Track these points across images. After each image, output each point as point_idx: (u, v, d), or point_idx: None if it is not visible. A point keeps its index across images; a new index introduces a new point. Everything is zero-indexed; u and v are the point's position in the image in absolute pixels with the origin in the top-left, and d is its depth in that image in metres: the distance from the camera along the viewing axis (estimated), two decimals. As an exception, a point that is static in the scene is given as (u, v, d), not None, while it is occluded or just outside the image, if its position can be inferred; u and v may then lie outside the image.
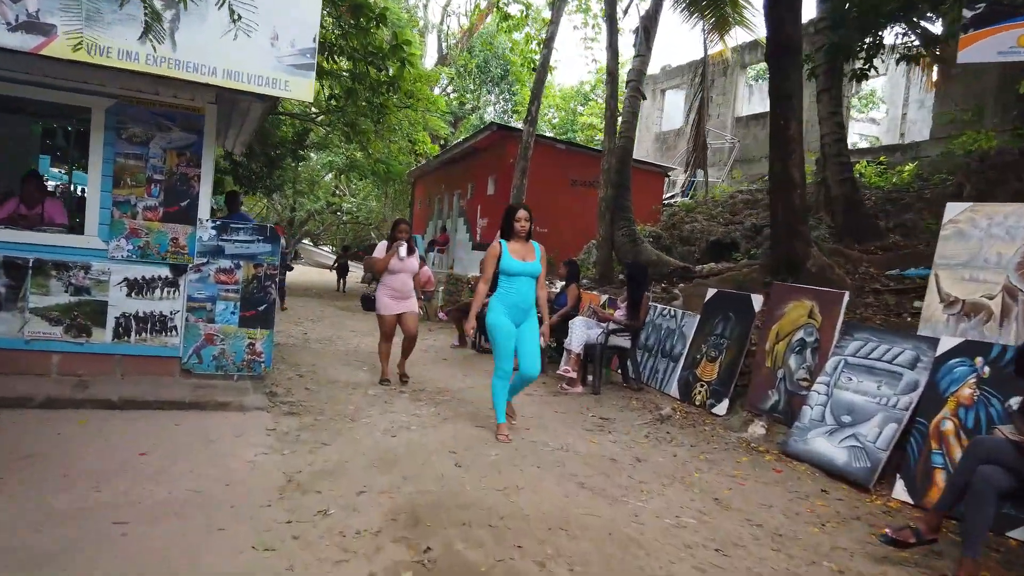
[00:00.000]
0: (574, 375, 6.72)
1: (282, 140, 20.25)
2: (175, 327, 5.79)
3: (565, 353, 6.96)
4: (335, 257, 25.37)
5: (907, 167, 12.99)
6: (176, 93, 5.73)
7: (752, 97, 18.79)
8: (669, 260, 9.71)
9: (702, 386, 6.31)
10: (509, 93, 29.16)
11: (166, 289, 5.78)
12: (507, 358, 4.96)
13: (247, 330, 5.95)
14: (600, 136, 26.99)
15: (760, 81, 21.74)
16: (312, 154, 31.20)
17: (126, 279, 5.68)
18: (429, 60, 29.81)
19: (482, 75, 28.67)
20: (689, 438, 5.45)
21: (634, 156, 18.75)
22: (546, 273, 5.50)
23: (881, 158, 13.80)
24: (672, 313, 7.25)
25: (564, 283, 8.08)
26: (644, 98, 11.52)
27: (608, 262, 10.24)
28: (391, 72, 13.54)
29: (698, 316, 6.79)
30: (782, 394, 5.50)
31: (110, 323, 5.64)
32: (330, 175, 36.27)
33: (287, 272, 12.48)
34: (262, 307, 5.99)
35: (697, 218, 11.73)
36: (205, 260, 5.84)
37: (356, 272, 30.63)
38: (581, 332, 6.82)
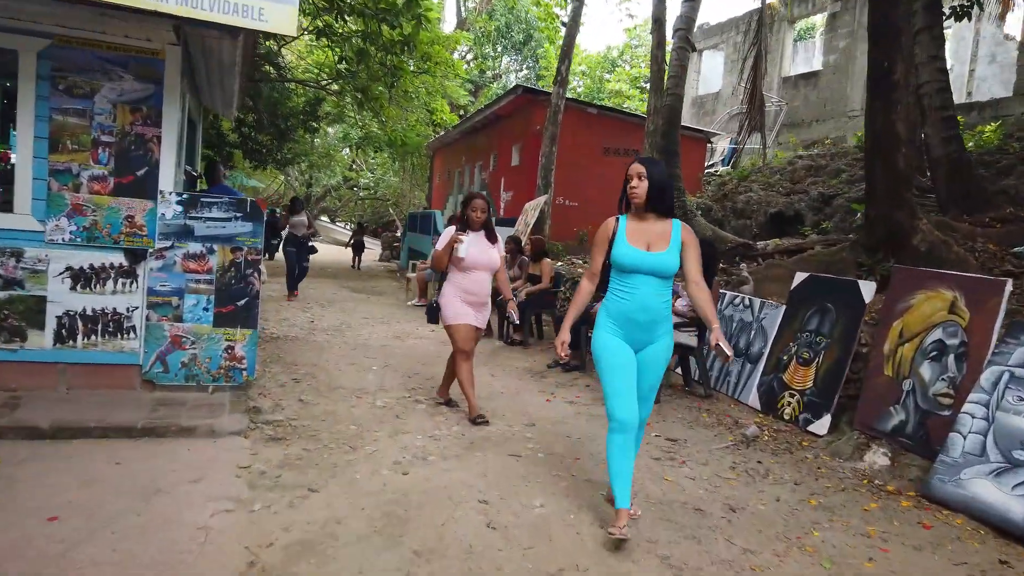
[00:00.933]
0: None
1: (292, 111, 19.05)
2: (133, 328, 4.63)
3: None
4: (350, 234, 24.37)
5: (988, 127, 11.44)
6: (127, 32, 4.51)
7: (799, 56, 17.14)
8: (725, 235, 8.39)
9: (792, 396, 5.04)
10: (533, 59, 27.60)
11: (121, 280, 4.61)
12: (622, 400, 3.07)
13: (224, 330, 4.78)
14: (630, 104, 25.42)
15: (805, 40, 20.05)
16: (328, 128, 30.05)
17: (69, 268, 4.52)
18: (448, 27, 28.33)
19: (503, 40, 27.12)
20: (789, 471, 4.20)
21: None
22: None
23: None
24: (746, 302, 5.95)
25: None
26: (694, 49, 10.11)
27: None
28: (405, 31, 12.24)
29: (782, 307, 5.49)
30: (911, 413, 4.21)
31: (50, 324, 4.49)
32: (347, 150, 35.14)
33: (310, 255, 11.32)
34: (243, 301, 4.80)
35: (752, 187, 10.35)
36: (169, 244, 4.66)
37: (373, 250, 29.56)
38: (636, 327, 5.57)
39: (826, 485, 3.97)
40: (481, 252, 4.73)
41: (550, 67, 25.63)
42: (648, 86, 28.38)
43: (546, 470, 3.95)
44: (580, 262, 10.27)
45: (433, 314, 5.03)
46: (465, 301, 4.79)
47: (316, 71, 17.54)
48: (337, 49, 13.78)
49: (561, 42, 12.58)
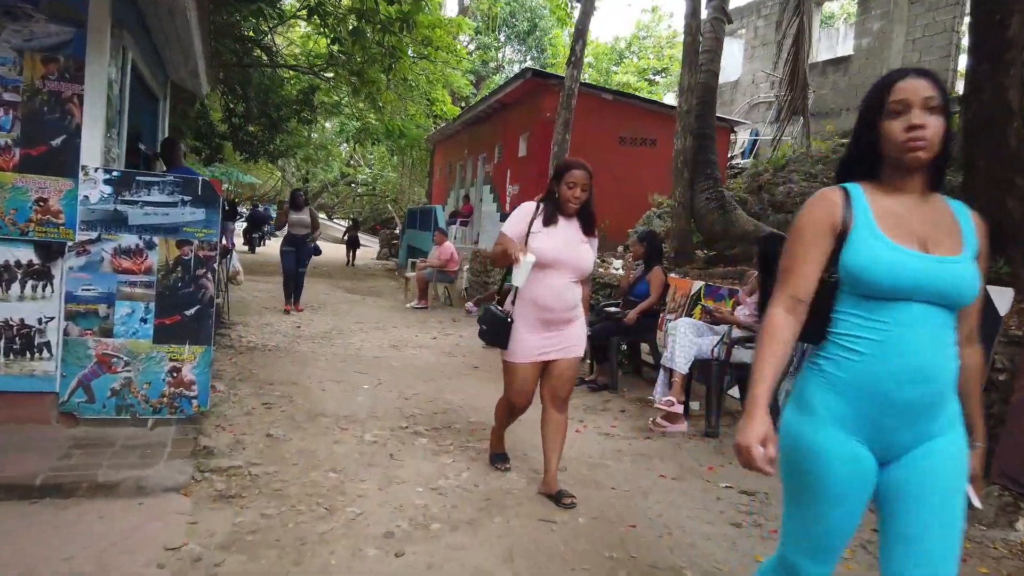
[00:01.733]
0: (677, 407, 4.40)
1: (285, 100, 17.97)
2: (47, 345, 3.56)
3: (663, 373, 4.65)
4: (344, 230, 23.65)
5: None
6: (38, -43, 3.45)
7: (821, 43, 16.06)
8: (769, 231, 7.34)
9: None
10: (537, 50, 26.53)
11: (30, 283, 3.54)
12: (825, 552, 1.60)
13: (168, 347, 3.71)
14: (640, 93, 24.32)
15: (827, 27, 18.98)
16: (325, 123, 28.96)
17: (-41, 267, 3.46)
18: (450, 14, 27.24)
19: (507, 28, 26.04)
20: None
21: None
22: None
23: None
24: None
25: (642, 264, 5.75)
26: (730, 21, 9.04)
27: (686, 235, 7.84)
28: (404, 7, 11.18)
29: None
30: (1078, 464, 3.15)
31: (-67, 340, 3.44)
32: (344, 144, 34.07)
33: (312, 256, 9.43)
34: (193, 310, 3.74)
35: (791, 178, 9.29)
36: (95, 235, 3.60)
37: (371, 247, 28.50)
38: (688, 342, 4.50)
39: (979, 568, 2.91)
40: (569, 246, 3.18)
41: (557, 56, 24.56)
42: (675, 65, 27.39)
43: (592, 545, 2.88)
44: (616, 264, 9.18)
45: (493, 332, 3.30)
46: (540, 324, 3.21)
47: (309, 57, 16.47)
48: (329, 31, 12.73)
49: (575, 20, 11.50)
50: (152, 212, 3.63)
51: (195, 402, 3.77)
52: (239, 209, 24.29)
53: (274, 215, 39.36)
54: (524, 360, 3.25)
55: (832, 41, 17.31)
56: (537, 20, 25.31)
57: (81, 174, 3.53)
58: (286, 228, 9.16)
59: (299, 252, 8.97)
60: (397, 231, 23.24)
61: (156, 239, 3.66)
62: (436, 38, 14.54)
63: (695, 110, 7.78)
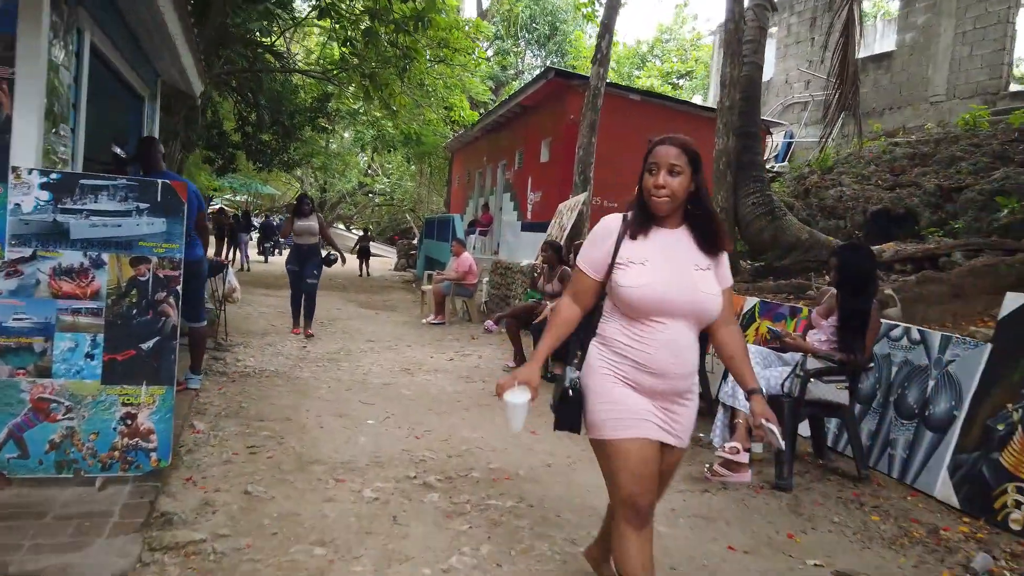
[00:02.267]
0: (743, 455, 3.62)
1: (298, 107, 17.47)
2: (-32, 388, 2.89)
3: (722, 411, 3.88)
4: (356, 240, 23.32)
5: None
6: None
7: (866, 35, 15.17)
8: (826, 240, 6.52)
9: (1022, 492, 3.17)
10: (558, 55, 25.86)
11: (-53, 312, 2.88)
12: None
13: (121, 389, 3.03)
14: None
15: (863, 23, 18.07)
16: (344, 133, 28.52)
17: None
18: (468, 16, 26.71)
19: (527, 33, 25.43)
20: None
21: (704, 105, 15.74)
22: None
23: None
24: (914, 336, 4.06)
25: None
26: (774, 9, 8.29)
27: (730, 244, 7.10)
28: (418, 5, 10.57)
29: (986, 346, 3.62)
30: None
31: None
32: (363, 154, 33.69)
33: (321, 268, 7.93)
34: (151, 343, 3.05)
35: (842, 181, 8.46)
36: (29, 252, 2.93)
37: (388, 258, 27.95)
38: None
39: None
40: (678, 275, 2.00)
41: (579, 58, 23.87)
42: (700, 68, 26.61)
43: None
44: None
45: (569, 412, 2.12)
46: (635, 385, 2.03)
47: (322, 62, 15.93)
48: (341, 30, 12.15)
49: (600, 16, 10.80)
50: (100, 223, 2.96)
51: (154, 455, 3.08)
52: (252, 220, 23.81)
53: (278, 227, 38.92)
54: (620, 435, 1.99)
55: (869, 39, 16.41)
56: (558, 24, 24.65)
57: (12, 177, 2.87)
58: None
59: (303, 268, 7.77)
60: (415, 241, 22.65)
61: (105, 256, 2.98)
62: (453, 39, 13.94)
63: (738, 106, 7.01)
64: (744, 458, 3.57)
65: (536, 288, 6.99)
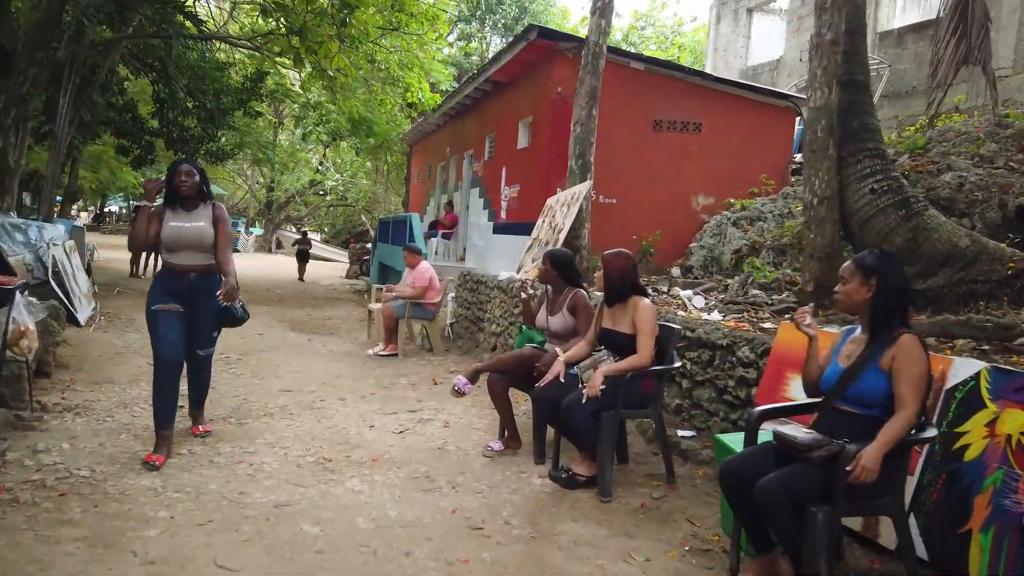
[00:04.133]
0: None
1: (226, 87, 14.66)
2: None
3: None
4: (293, 242, 21.12)
5: None
6: None
7: (891, 4, 13.06)
8: (998, 248, 4.12)
9: None
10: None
11: None
12: None
13: None
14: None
15: None
16: (293, 128, 25.59)
17: None
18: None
19: (492, 15, 22.95)
20: None
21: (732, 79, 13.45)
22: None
23: None
24: None
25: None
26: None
27: (834, 253, 4.49)
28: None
29: None
30: None
31: None
32: (313, 150, 30.80)
33: (221, 326, 4.16)
34: None
35: (956, 164, 6.18)
36: None
37: (341, 262, 25.16)
38: None
39: None
40: None
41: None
42: (683, 56, 24.35)
43: None
44: (671, 296, 6.06)
45: None
46: None
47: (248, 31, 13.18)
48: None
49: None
50: None
51: None
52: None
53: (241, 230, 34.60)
54: None
55: (906, 1, 14.26)
56: (526, 4, 22.24)
57: None
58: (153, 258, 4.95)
59: (193, 312, 3.92)
60: (368, 245, 19.96)
61: None
62: (408, 3, 11.43)
63: (843, 41, 4.63)
64: None
65: (531, 323, 4.50)
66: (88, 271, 11.75)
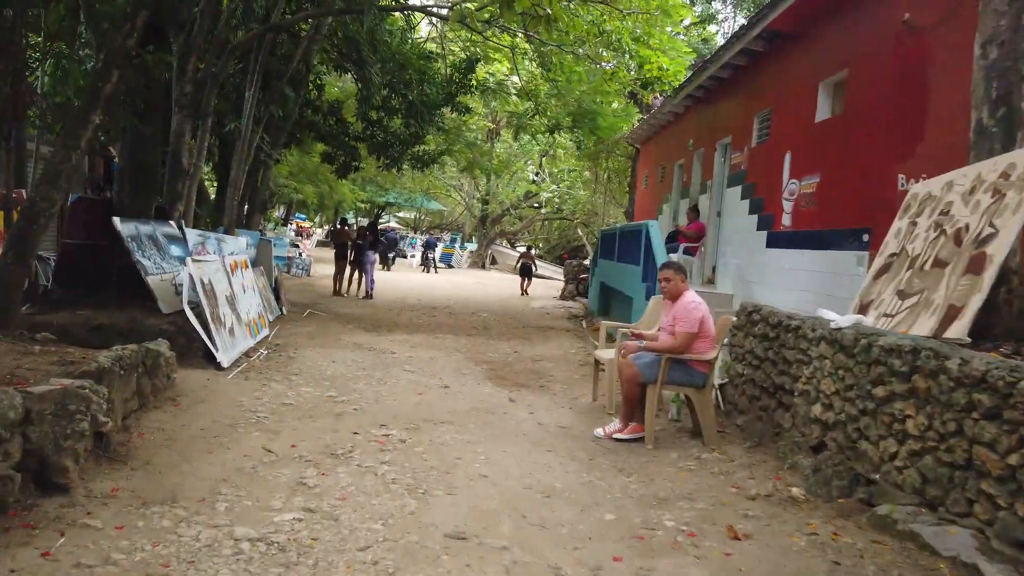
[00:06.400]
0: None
1: (431, 78, 12.83)
2: None
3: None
4: (519, 256, 19.29)
5: None
6: None
7: None
8: None
9: None
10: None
11: None
12: None
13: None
14: None
15: None
16: (511, 137, 24.00)
17: None
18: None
19: (739, -12, 19.21)
20: None
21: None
22: None
23: None
24: None
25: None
26: None
27: None
28: None
29: None
30: None
31: None
32: (528, 157, 29.13)
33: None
34: None
35: None
36: None
37: (556, 280, 22.83)
38: None
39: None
40: None
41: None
42: None
43: None
44: None
45: None
46: None
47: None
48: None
49: None
50: None
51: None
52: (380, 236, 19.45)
53: (401, 239, 32.94)
54: None
55: None
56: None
57: None
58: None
59: None
60: (586, 262, 17.28)
61: None
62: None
63: None
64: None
65: None
66: (276, 292, 10.30)
